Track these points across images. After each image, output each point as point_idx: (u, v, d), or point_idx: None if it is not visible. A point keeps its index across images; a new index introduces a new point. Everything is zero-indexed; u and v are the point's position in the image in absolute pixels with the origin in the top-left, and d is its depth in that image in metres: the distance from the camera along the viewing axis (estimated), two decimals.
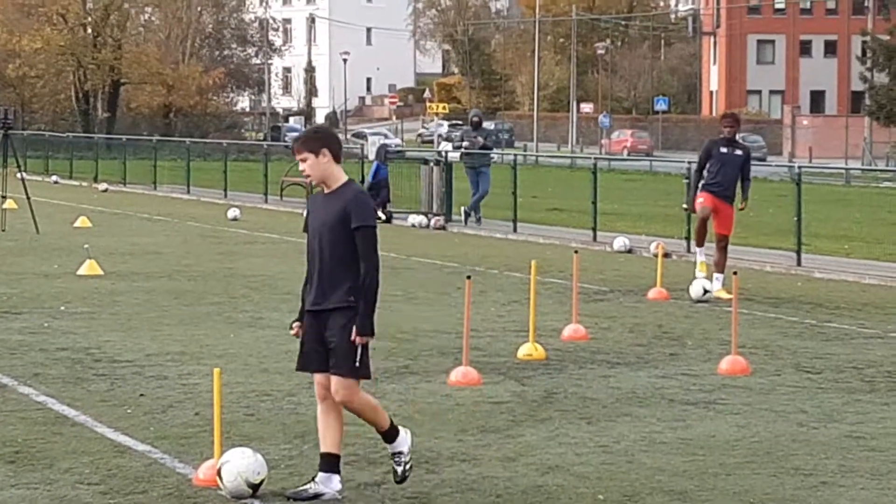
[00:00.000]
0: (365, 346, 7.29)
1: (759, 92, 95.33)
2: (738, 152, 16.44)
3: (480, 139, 27.64)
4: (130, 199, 35.41)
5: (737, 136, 16.67)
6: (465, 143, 27.75)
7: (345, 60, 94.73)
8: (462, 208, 27.37)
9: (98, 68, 72.08)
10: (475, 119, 28.43)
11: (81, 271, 17.66)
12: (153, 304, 15.00)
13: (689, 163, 18.53)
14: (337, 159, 7.32)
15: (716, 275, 16.51)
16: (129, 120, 75.65)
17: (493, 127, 66.33)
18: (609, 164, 57.02)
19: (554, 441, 8.75)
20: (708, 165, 16.45)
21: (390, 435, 7.46)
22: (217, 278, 17.62)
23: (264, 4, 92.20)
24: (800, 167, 24.29)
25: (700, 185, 16.53)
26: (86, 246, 18.63)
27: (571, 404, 9.92)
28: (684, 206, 17.36)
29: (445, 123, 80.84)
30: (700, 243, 16.65)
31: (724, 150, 16.39)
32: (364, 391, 7.42)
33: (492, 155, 28.80)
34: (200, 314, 14.18)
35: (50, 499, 7.35)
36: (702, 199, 16.43)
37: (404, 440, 7.48)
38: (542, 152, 70.54)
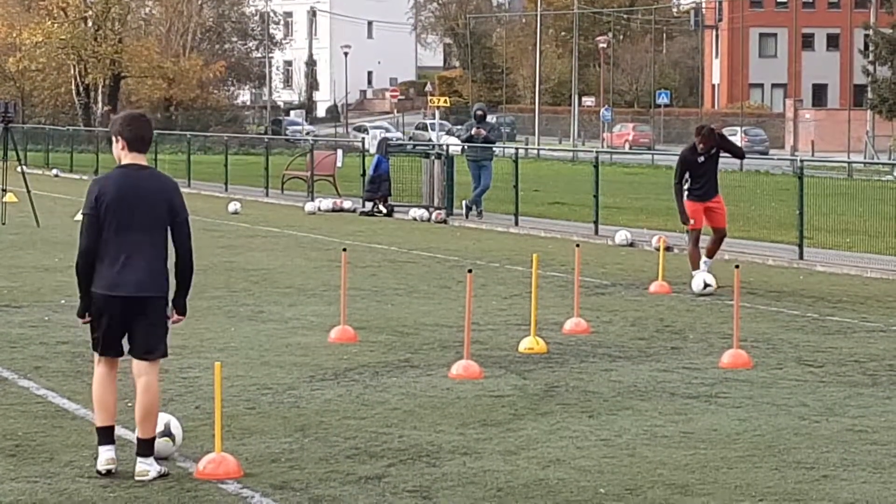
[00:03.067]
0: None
1: (761, 85, 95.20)
2: (713, 151, 16.53)
3: (483, 131, 27.62)
4: None
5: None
6: (472, 132, 27.70)
7: (346, 54, 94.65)
8: (463, 202, 27.36)
9: (99, 62, 72.02)
10: (479, 112, 28.38)
11: None
12: None
13: None
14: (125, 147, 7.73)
15: (704, 258, 16.57)
16: None
17: (494, 121, 66.11)
18: (611, 157, 56.97)
19: (555, 435, 8.73)
20: (688, 175, 16.48)
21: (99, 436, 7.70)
22: (218, 272, 17.61)
23: None
24: (802, 160, 24.29)
25: (686, 193, 16.54)
26: None
27: (573, 398, 9.90)
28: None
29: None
30: (696, 266, 16.52)
31: (700, 159, 16.44)
32: (96, 384, 7.74)
33: (494, 149, 28.78)
34: (201, 308, 14.15)
35: (50, 492, 7.34)
36: (693, 221, 16.45)
37: (104, 451, 7.62)
38: (544, 146, 70.50)
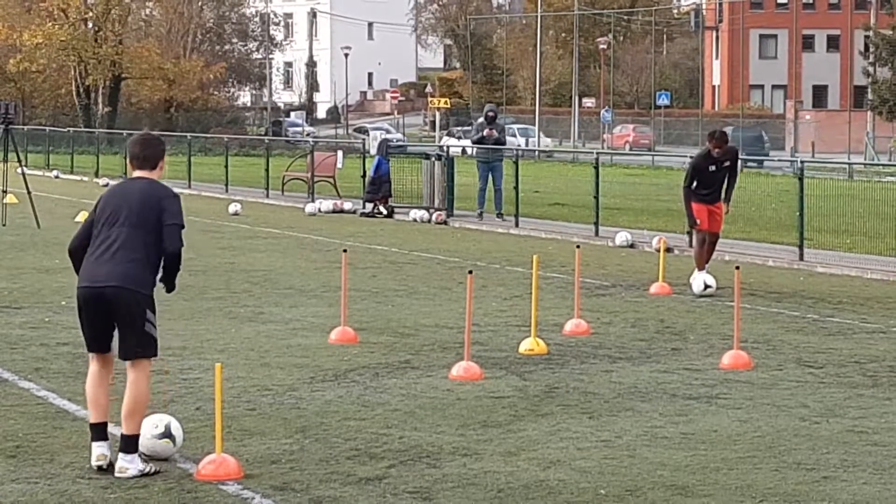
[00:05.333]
0: None
1: (761, 87, 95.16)
2: (726, 164, 16.56)
3: (495, 133, 27.56)
4: None
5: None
6: (483, 133, 27.60)
7: (346, 55, 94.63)
8: (483, 212, 26.89)
9: (99, 63, 72.07)
10: (490, 114, 28.26)
11: None
12: None
13: (691, 157, 18.53)
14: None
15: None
16: (131, 115, 75.67)
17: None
18: (611, 158, 56.98)
19: (555, 436, 8.74)
20: (696, 181, 16.51)
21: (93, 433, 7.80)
22: (218, 273, 17.61)
23: None
24: (802, 162, 24.26)
25: (692, 195, 16.57)
26: None
27: (573, 399, 9.91)
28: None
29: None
30: (701, 267, 16.53)
31: (712, 168, 16.47)
32: (88, 382, 7.94)
33: (504, 150, 28.72)
34: (201, 309, 14.16)
35: (51, 493, 7.35)
36: (699, 221, 16.49)
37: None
38: (544, 147, 70.46)
